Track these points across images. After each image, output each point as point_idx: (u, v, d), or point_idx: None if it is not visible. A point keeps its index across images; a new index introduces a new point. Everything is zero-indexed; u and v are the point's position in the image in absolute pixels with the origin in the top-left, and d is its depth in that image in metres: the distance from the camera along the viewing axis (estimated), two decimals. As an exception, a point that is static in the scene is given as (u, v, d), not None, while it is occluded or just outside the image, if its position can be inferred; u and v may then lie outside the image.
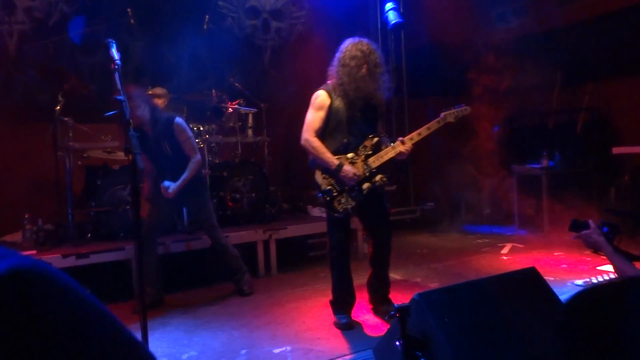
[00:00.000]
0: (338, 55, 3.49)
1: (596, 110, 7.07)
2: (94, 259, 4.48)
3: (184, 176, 4.15)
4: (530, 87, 7.53)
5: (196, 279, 4.92)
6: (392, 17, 7.52)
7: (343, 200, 3.41)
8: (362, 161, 3.43)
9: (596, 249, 2.28)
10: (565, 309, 1.09)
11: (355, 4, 8.45)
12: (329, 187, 3.43)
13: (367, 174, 3.42)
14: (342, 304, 3.62)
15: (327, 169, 3.42)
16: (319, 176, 3.47)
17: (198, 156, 4.30)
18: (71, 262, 4.38)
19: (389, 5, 7.54)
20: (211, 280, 4.90)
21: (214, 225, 4.43)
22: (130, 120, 2.87)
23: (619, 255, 2.16)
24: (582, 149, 6.88)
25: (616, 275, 2.21)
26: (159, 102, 5.59)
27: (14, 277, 0.55)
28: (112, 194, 4.94)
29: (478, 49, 7.75)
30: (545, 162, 6.68)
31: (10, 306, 0.53)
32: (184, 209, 5.10)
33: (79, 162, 5.40)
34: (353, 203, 3.42)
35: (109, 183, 4.96)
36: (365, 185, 3.42)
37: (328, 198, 3.44)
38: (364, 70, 3.38)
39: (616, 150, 6.14)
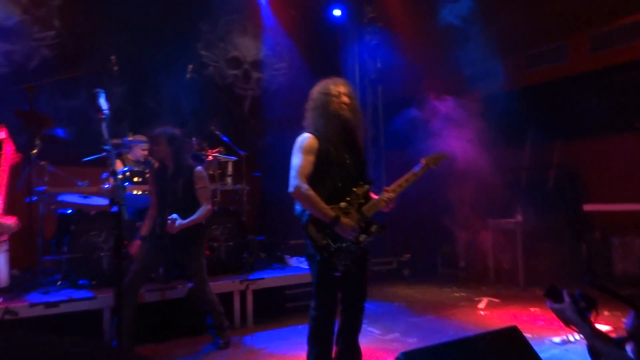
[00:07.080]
0: (308, 104, 3.24)
1: (566, 167, 7.32)
2: (64, 308, 4.30)
3: (192, 218, 4.17)
4: (502, 144, 7.77)
5: (168, 330, 4.76)
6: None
7: (342, 255, 3.02)
8: (356, 211, 3.08)
9: (570, 326, 2.03)
10: None
11: (335, 58, 8.71)
12: (325, 242, 3.01)
13: (362, 225, 3.09)
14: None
15: (318, 221, 3.02)
16: (312, 230, 3.03)
17: (210, 206, 4.33)
18: (39, 311, 4.19)
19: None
20: (183, 332, 4.75)
21: (204, 278, 4.35)
22: (116, 170, 2.86)
23: (599, 338, 1.88)
24: (553, 205, 7.07)
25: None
26: (141, 148, 5.57)
27: None
28: (86, 240, 4.81)
29: (450, 105, 8.00)
30: (519, 217, 6.82)
31: None
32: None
33: (52, 207, 5.27)
34: (351, 258, 3.05)
35: (83, 229, 4.84)
36: (362, 238, 3.07)
37: (326, 254, 3.01)
38: (336, 101, 3.13)
39: (587, 207, 6.33)
